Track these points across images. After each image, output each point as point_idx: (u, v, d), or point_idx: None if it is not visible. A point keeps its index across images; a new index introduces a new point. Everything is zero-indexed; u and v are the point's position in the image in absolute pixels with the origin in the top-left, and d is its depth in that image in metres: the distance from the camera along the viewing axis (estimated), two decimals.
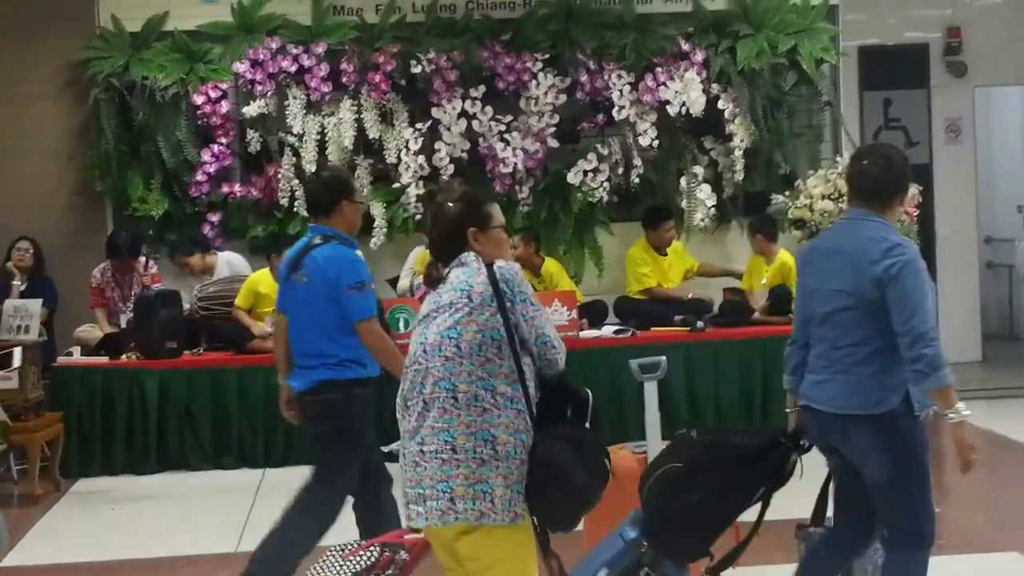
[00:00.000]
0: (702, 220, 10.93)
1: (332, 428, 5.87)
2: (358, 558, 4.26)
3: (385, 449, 4.40)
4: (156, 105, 10.67)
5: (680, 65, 10.82)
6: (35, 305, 9.10)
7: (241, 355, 9.68)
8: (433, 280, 4.13)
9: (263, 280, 9.82)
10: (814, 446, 5.05)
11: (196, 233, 10.73)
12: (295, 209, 10.77)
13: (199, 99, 10.71)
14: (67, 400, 9.44)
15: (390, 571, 4.24)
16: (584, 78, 10.77)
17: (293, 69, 10.72)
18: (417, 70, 10.61)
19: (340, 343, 5.82)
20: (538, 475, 3.98)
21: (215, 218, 10.75)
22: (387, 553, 4.27)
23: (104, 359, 9.66)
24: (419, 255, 9.42)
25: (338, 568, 4.24)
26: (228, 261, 10.51)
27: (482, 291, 4.00)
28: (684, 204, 10.93)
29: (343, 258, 5.81)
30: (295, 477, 9.14)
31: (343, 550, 4.31)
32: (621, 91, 10.74)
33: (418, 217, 10.51)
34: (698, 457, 4.90)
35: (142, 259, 10.21)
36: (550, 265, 10.37)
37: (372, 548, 4.28)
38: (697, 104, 10.73)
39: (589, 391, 4.20)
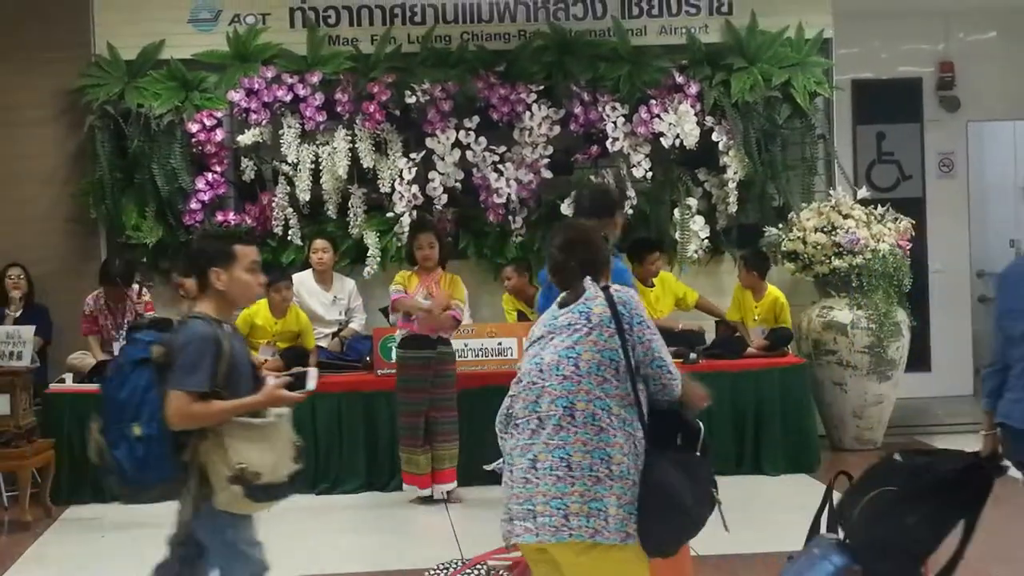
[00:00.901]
0: (695, 252, 10.95)
1: None
2: None
3: (488, 468, 4.44)
4: (151, 133, 10.68)
5: (674, 97, 10.86)
6: (28, 331, 9.08)
7: None
8: (563, 304, 4.28)
9: (260, 312, 9.83)
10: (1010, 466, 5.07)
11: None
12: (289, 238, 10.78)
13: (194, 127, 10.72)
14: (58, 427, 9.42)
15: None
16: (578, 110, 10.80)
17: (288, 98, 10.74)
18: (412, 100, 10.63)
19: None
20: (650, 497, 4.06)
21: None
22: (493, 571, 4.28)
23: (96, 386, 9.60)
24: (402, 275, 9.43)
25: None
26: None
27: (600, 312, 4.14)
28: (677, 235, 10.94)
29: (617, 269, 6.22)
30: (288, 505, 9.17)
31: (448, 568, 4.32)
32: (615, 123, 10.77)
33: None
34: (912, 481, 4.92)
35: (135, 287, 10.19)
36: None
37: (479, 566, 4.30)
38: (691, 136, 10.76)
39: (701, 423, 4.31)
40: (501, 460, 4.41)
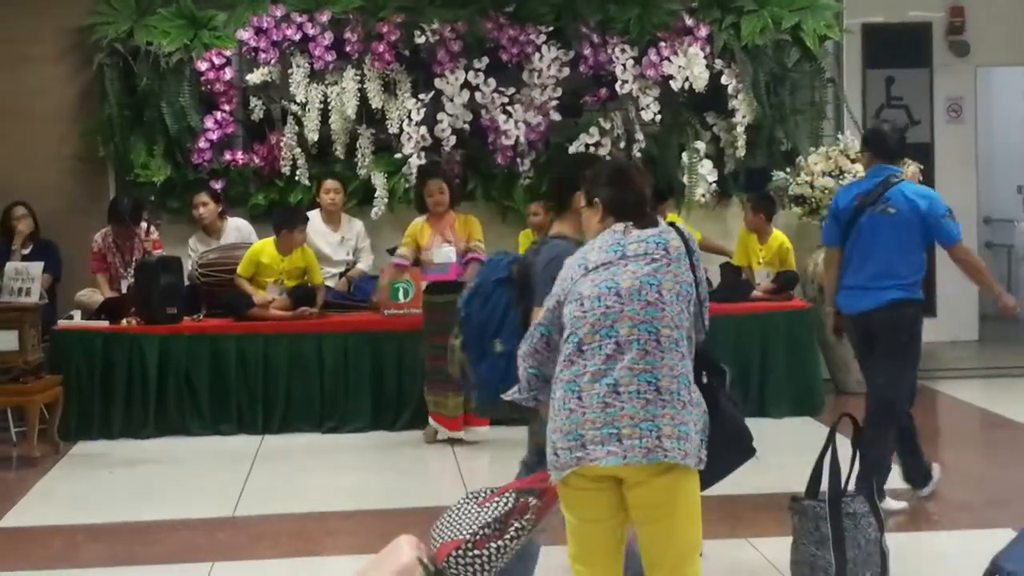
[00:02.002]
0: (703, 195, 10.95)
1: (904, 339, 6.80)
2: (494, 505, 4.28)
3: (506, 397, 4.45)
4: (160, 71, 10.67)
5: (684, 40, 10.82)
6: (36, 268, 9.10)
7: (241, 322, 9.72)
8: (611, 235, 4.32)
9: (266, 250, 9.85)
10: None
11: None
12: (296, 178, 10.79)
13: (203, 66, 10.71)
14: (67, 363, 9.46)
15: (527, 517, 4.27)
16: (587, 52, 10.77)
17: (297, 37, 10.71)
18: (421, 40, 10.61)
19: (913, 267, 6.88)
20: (719, 426, 4.20)
21: (217, 185, 10.75)
22: (522, 499, 4.30)
23: (104, 323, 9.69)
24: (413, 226, 9.42)
25: (475, 515, 4.27)
26: (237, 227, 10.55)
27: (678, 246, 4.21)
28: (685, 179, 10.93)
29: (930, 193, 7.10)
30: (293, 443, 9.33)
31: (477, 497, 4.33)
32: (624, 65, 10.74)
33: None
34: None
35: (144, 225, 10.22)
36: None
37: (508, 494, 4.31)
38: (700, 79, 10.73)
39: (725, 366, 4.44)
40: (516, 388, 4.42)
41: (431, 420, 9.19)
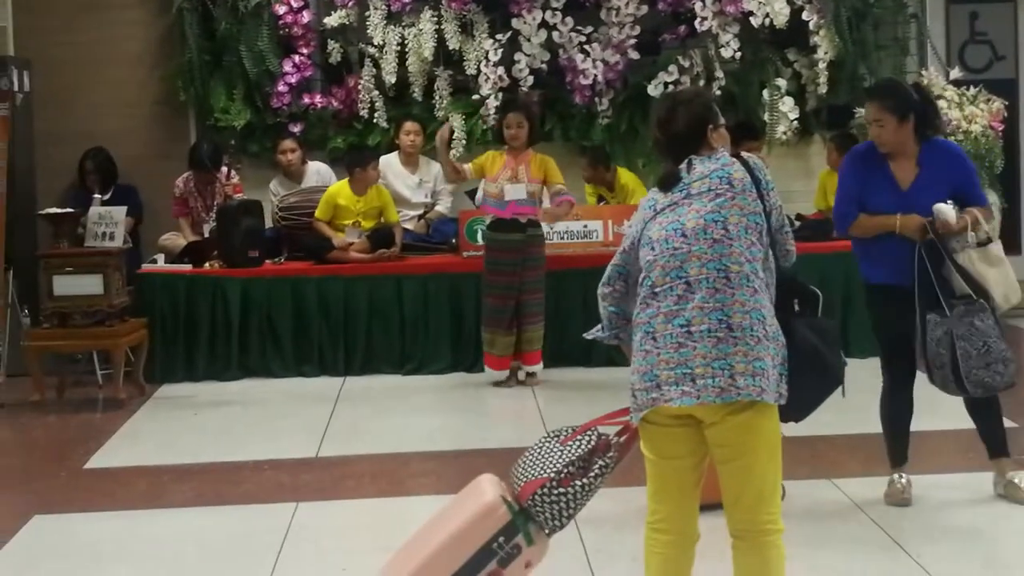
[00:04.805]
0: (784, 133, 10.84)
1: None
2: (576, 443, 4.29)
3: (588, 336, 4.44)
4: (238, 15, 10.72)
5: None
6: (120, 212, 9.20)
7: (321, 265, 9.78)
8: (668, 178, 4.24)
9: (342, 192, 9.89)
10: None
11: (276, 144, 10.77)
12: (375, 120, 10.81)
13: (281, 9, 10.74)
14: (151, 307, 9.58)
15: (610, 455, 4.28)
16: None
17: None
18: None
19: None
20: (798, 359, 4.13)
21: (296, 129, 10.80)
22: (604, 437, 4.30)
23: (187, 267, 9.79)
24: (487, 155, 9.37)
25: (558, 454, 4.27)
26: (317, 171, 10.62)
27: (742, 177, 4.15)
28: (766, 117, 10.82)
29: None
30: (374, 385, 9.40)
31: (559, 435, 4.34)
32: (704, 2, 10.61)
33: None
34: None
35: (224, 169, 10.28)
36: (625, 176, 10.33)
37: (589, 433, 4.32)
38: (781, 15, 10.59)
39: (817, 290, 4.38)
40: (599, 327, 4.42)
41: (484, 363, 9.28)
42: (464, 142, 10.69)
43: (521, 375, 9.25)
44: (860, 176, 6.12)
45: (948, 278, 5.86)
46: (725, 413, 4.01)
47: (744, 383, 3.97)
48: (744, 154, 4.28)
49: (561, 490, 4.19)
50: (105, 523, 6.45)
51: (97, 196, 9.99)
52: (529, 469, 4.27)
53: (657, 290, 4.10)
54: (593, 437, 4.30)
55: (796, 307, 4.27)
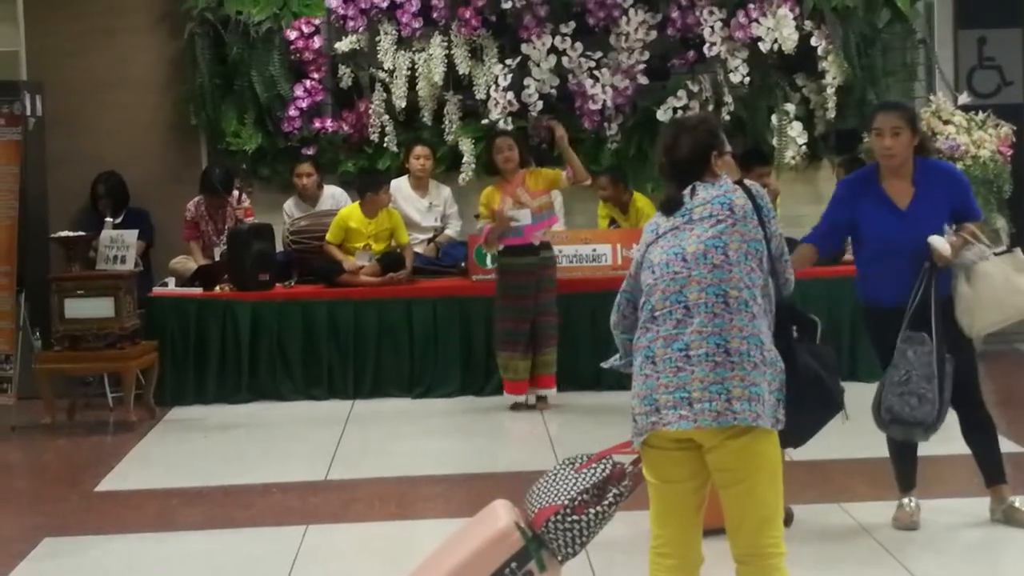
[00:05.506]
0: (793, 158, 10.87)
1: None
2: (591, 471, 4.31)
3: (605, 365, 4.48)
4: (250, 40, 10.77)
5: (773, 1, 10.70)
6: (131, 236, 9.25)
7: (332, 288, 9.81)
8: (670, 202, 4.28)
9: (353, 215, 9.94)
10: None
11: (286, 168, 10.84)
12: (385, 144, 10.85)
13: (292, 34, 10.79)
14: (162, 330, 9.62)
15: (624, 483, 4.30)
16: (675, 14, 10.69)
17: (385, 5, 10.74)
18: (507, 5, 10.59)
19: None
20: (797, 384, 4.16)
21: (307, 153, 10.84)
22: (618, 466, 4.33)
23: (198, 290, 9.83)
24: (485, 193, 9.40)
25: (573, 481, 4.29)
26: (332, 195, 10.65)
27: (743, 204, 4.19)
28: (775, 142, 10.85)
29: None
30: (384, 408, 9.41)
31: (574, 463, 4.37)
32: (712, 27, 10.65)
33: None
34: None
35: (235, 193, 10.33)
36: (640, 200, 10.36)
37: (604, 461, 4.34)
38: (789, 41, 10.62)
39: (817, 318, 4.42)
40: (617, 356, 4.45)
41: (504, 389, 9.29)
42: (473, 167, 10.72)
43: (531, 399, 9.26)
44: (852, 202, 6.17)
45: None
46: (723, 437, 4.03)
47: (740, 407, 4.00)
48: (747, 182, 4.31)
49: (575, 517, 4.21)
50: (115, 546, 6.47)
51: (109, 220, 10.01)
52: (543, 496, 4.29)
53: (657, 314, 4.13)
54: (608, 465, 4.32)
55: (795, 334, 4.30)
